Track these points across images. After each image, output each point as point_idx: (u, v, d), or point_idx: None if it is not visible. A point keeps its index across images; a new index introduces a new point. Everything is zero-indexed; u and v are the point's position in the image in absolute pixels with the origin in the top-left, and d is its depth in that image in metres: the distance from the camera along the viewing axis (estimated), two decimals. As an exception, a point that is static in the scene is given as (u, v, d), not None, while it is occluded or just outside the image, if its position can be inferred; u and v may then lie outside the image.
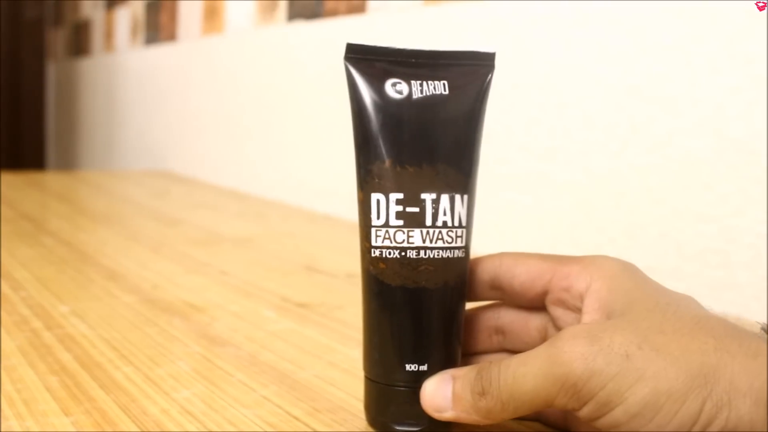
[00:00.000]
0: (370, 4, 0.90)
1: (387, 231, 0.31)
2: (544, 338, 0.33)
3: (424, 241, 0.31)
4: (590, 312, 0.29)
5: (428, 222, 0.31)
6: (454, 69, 0.32)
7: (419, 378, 0.31)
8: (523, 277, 0.33)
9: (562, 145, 0.66)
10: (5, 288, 0.53)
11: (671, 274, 0.57)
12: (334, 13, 0.96)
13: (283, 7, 1.08)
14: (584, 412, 0.25)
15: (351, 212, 0.89)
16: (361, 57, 0.32)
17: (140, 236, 0.77)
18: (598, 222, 0.63)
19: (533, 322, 0.34)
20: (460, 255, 0.32)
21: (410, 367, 0.31)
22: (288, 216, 0.94)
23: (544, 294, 0.32)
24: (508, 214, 0.71)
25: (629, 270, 0.31)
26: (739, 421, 0.24)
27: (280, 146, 1.10)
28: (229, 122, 1.25)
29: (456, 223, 0.31)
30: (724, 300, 0.54)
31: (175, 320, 0.47)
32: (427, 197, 0.31)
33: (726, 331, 0.26)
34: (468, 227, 0.32)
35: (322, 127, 1.00)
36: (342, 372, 0.39)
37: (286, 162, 1.08)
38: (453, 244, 0.31)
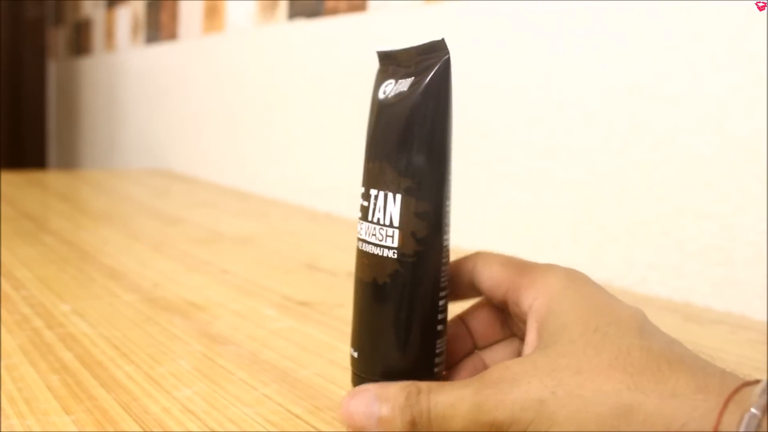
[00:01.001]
0: (370, 3, 0.90)
1: (358, 222, 0.33)
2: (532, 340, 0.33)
3: (365, 235, 0.32)
4: (531, 331, 0.30)
5: (369, 216, 0.32)
6: (420, 65, 0.31)
7: (356, 363, 0.33)
8: (487, 284, 0.33)
9: (563, 143, 0.66)
10: (6, 287, 0.53)
11: (673, 271, 0.57)
12: (334, 11, 0.96)
13: (283, 6, 1.08)
14: None
15: (352, 210, 0.89)
16: (385, 62, 0.33)
17: (141, 235, 0.77)
18: (600, 220, 0.63)
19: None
20: (390, 255, 0.31)
21: (352, 350, 0.33)
22: (289, 214, 0.94)
23: (505, 303, 0.33)
24: (509, 213, 0.71)
25: (572, 287, 0.30)
26: None
27: (281, 145, 1.10)
28: (229, 121, 1.25)
29: (387, 222, 0.31)
30: (726, 298, 0.54)
31: (176, 319, 0.47)
32: (373, 192, 0.32)
33: (647, 365, 0.25)
34: (405, 229, 0.31)
35: (323, 125, 0.99)
36: (343, 370, 0.39)
37: (287, 161, 1.08)
38: (383, 243, 0.31)
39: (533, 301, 0.30)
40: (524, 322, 0.31)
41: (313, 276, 0.61)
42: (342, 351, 0.42)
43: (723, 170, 0.54)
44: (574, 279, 0.31)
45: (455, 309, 0.35)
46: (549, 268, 0.31)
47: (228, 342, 0.43)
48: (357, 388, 0.30)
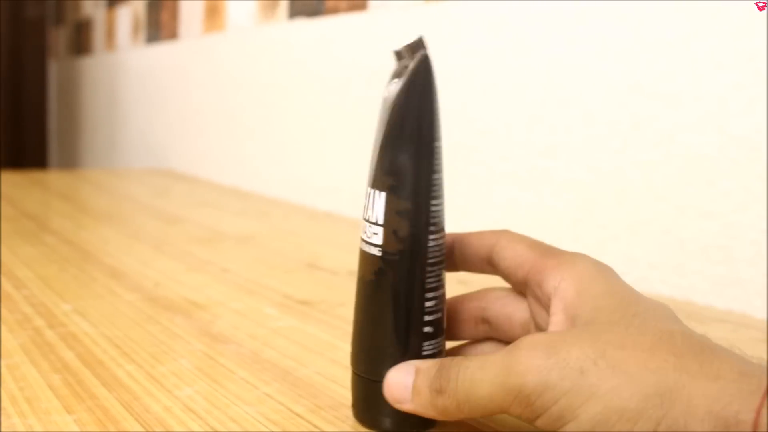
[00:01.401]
0: (371, 3, 0.90)
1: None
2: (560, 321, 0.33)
3: (362, 233, 0.32)
4: (557, 313, 0.29)
5: (364, 214, 0.32)
6: (402, 63, 0.32)
7: (351, 360, 0.33)
8: (508, 262, 0.33)
9: (563, 141, 0.66)
10: (8, 287, 0.53)
11: (674, 270, 0.57)
12: (335, 10, 0.96)
13: (284, 5, 1.08)
14: (538, 423, 0.25)
15: (353, 209, 0.89)
16: (397, 60, 0.33)
17: (142, 234, 0.77)
18: (601, 219, 0.63)
19: (517, 318, 0.34)
20: (375, 252, 0.31)
21: (351, 348, 0.33)
22: (290, 214, 0.94)
23: (525, 284, 0.32)
24: (510, 212, 0.71)
25: (603, 274, 0.30)
26: None
27: (282, 144, 1.10)
28: (230, 120, 1.25)
29: (374, 219, 0.31)
30: (727, 296, 0.54)
31: (177, 318, 0.47)
32: (369, 191, 0.32)
33: (689, 348, 0.25)
34: (388, 227, 0.31)
35: (324, 125, 0.99)
36: (344, 369, 0.39)
37: (288, 160, 1.08)
38: (371, 240, 0.32)
39: (559, 283, 0.30)
40: (546, 306, 0.31)
41: (314, 275, 0.61)
42: (343, 350, 0.42)
43: (724, 169, 0.54)
44: (603, 268, 0.31)
45: (460, 279, 0.35)
46: (577, 254, 0.31)
47: (229, 341, 0.43)
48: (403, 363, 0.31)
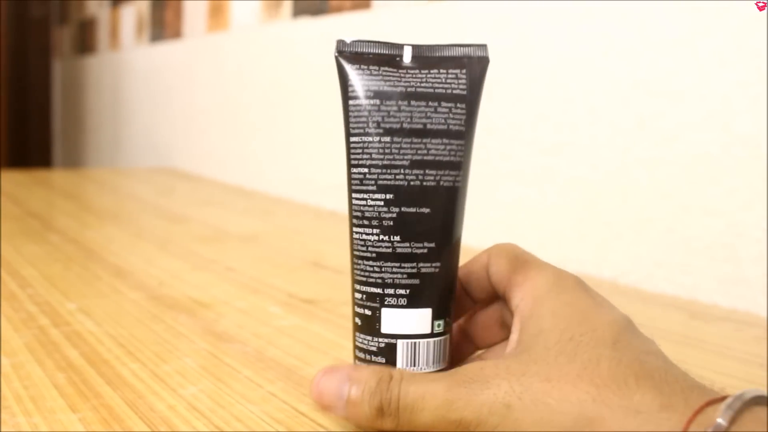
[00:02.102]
0: (374, 2, 0.90)
1: None
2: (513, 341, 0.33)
3: None
4: (514, 332, 0.30)
5: None
6: None
7: None
8: (493, 279, 0.33)
9: (568, 140, 0.66)
10: (12, 285, 0.53)
11: (679, 269, 0.57)
12: (338, 9, 0.96)
13: (288, 4, 1.08)
14: None
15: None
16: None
17: (146, 233, 0.77)
18: (605, 217, 0.63)
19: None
20: None
21: None
22: (294, 212, 0.94)
23: (504, 299, 0.33)
24: (514, 210, 0.71)
25: (555, 290, 0.30)
26: None
27: (286, 143, 1.10)
28: (234, 119, 1.25)
29: None
30: (732, 295, 0.54)
31: (181, 317, 0.48)
32: None
33: (613, 379, 0.25)
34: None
35: (328, 123, 0.99)
36: (348, 368, 0.39)
37: (292, 159, 1.09)
38: None
39: (520, 302, 0.30)
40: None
41: (319, 274, 0.61)
42: (347, 348, 0.42)
43: (729, 167, 0.54)
44: (560, 282, 0.30)
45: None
46: (540, 268, 0.31)
47: (233, 340, 0.43)
48: (330, 365, 0.30)
